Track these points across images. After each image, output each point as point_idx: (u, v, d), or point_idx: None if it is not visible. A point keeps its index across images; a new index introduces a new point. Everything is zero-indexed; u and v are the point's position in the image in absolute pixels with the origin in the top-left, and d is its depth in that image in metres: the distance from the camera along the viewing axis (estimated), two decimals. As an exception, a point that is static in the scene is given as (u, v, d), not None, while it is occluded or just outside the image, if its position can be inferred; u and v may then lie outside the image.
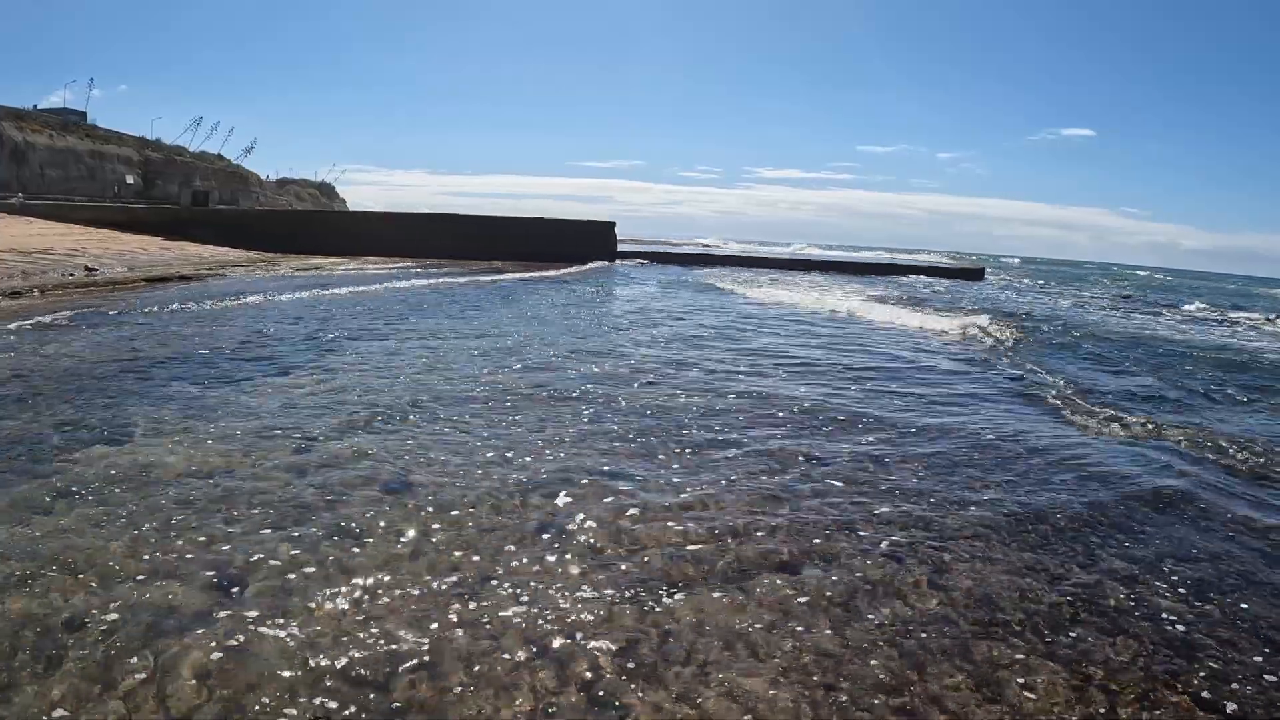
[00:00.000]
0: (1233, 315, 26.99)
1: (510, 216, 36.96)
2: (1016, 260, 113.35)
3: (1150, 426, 7.21)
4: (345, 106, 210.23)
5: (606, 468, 5.12)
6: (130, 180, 59.06)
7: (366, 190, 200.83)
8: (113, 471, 4.60)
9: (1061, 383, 9.53)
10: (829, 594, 3.48)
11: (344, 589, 3.29)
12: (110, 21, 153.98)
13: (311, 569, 3.47)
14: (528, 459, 5.23)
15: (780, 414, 6.95)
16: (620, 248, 37.85)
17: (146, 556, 3.52)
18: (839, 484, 5.04)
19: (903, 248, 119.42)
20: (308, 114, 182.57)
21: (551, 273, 26.48)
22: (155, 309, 12.71)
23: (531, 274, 25.58)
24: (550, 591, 3.37)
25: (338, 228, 35.30)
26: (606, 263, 34.08)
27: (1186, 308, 29.68)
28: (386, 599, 3.23)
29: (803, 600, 3.41)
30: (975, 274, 43.89)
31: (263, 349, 9.21)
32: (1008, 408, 7.94)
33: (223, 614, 3.06)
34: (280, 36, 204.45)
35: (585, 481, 4.84)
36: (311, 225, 35.49)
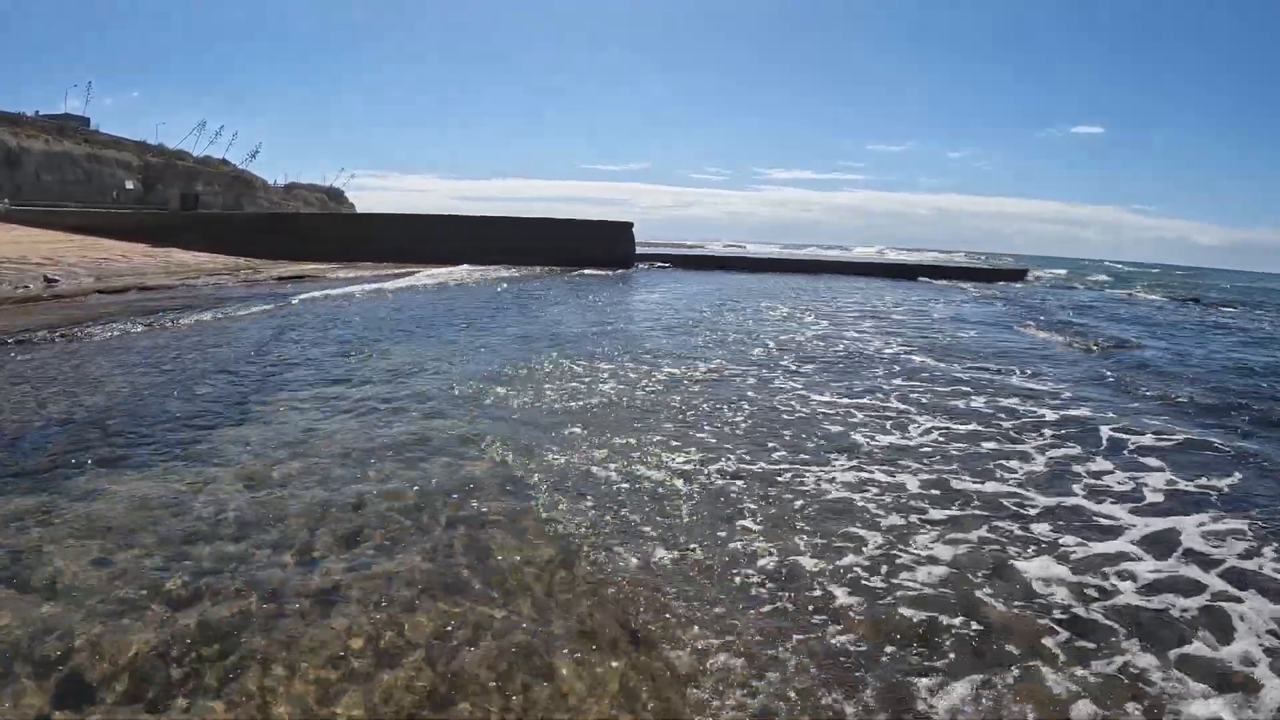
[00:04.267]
0: None
1: (516, 217, 34.47)
2: (1069, 267, 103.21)
3: None
4: (355, 111, 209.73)
5: None
6: (130, 185, 57.35)
7: (376, 195, 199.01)
8: None
9: None
10: None
11: None
12: (122, 28, 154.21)
13: None
14: None
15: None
16: (638, 250, 35.10)
17: None
18: None
19: (914, 246, 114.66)
20: (317, 119, 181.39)
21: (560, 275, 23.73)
22: (60, 338, 10.14)
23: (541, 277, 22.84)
24: None
25: (335, 231, 32.92)
26: (621, 270, 31.34)
27: None
28: None
29: None
30: (1018, 275, 41.05)
31: (153, 405, 6.53)
32: None
33: None
34: (291, 42, 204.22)
35: None
36: (303, 228, 33.11)
